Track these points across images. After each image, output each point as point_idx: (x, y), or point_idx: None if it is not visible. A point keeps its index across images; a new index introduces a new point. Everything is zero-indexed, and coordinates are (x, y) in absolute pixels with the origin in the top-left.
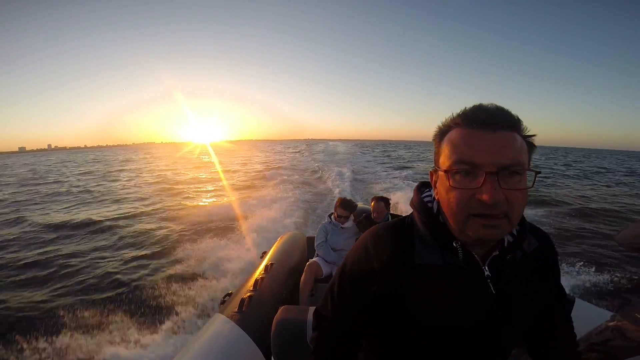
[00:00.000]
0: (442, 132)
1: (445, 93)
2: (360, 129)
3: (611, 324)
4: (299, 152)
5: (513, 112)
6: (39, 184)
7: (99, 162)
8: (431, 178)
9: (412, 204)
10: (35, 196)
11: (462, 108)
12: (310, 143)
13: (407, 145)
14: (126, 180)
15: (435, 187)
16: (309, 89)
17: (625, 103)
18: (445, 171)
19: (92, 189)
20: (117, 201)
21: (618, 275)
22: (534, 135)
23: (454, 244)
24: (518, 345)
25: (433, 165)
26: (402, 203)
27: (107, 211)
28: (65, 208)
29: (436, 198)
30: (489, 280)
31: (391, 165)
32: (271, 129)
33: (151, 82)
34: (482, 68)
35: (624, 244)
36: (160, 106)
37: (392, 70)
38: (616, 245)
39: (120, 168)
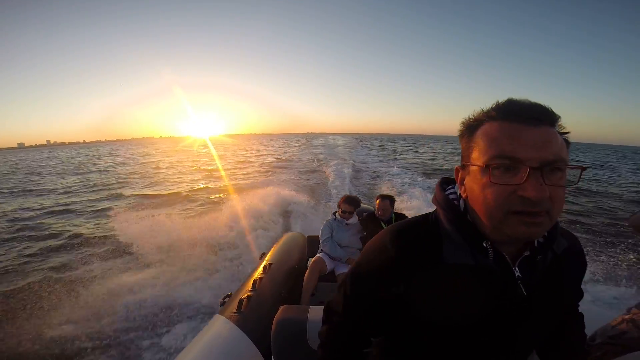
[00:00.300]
0: (472, 126)
1: (445, 87)
2: (360, 122)
3: (627, 316)
4: (300, 145)
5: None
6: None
7: (119, 155)
8: (457, 175)
9: (435, 201)
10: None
11: (494, 102)
12: (310, 137)
13: (406, 138)
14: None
15: (462, 184)
16: (309, 83)
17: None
18: (483, 166)
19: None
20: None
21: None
22: (569, 132)
23: (484, 244)
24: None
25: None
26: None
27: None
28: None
29: (463, 195)
30: (519, 282)
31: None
32: (271, 123)
33: (150, 77)
34: (483, 62)
35: (638, 228)
36: (158, 101)
37: (392, 63)
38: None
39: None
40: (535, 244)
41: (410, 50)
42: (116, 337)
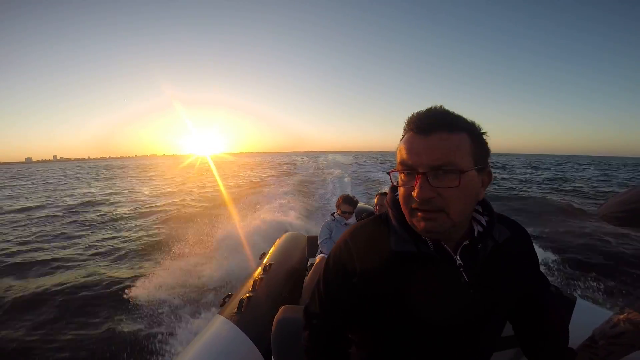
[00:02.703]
0: (402, 137)
1: (448, 103)
2: (360, 140)
3: (622, 316)
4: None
5: (451, 112)
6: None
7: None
8: None
9: (386, 202)
10: None
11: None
12: (311, 156)
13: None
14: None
15: None
16: (311, 101)
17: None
18: (397, 171)
19: None
20: None
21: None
22: (484, 133)
23: (423, 236)
24: (514, 345)
25: None
26: None
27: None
28: None
29: None
30: (461, 270)
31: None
32: (272, 142)
33: (152, 95)
34: (483, 76)
35: (606, 216)
36: (160, 118)
37: (393, 81)
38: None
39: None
40: (475, 234)
41: (411, 67)
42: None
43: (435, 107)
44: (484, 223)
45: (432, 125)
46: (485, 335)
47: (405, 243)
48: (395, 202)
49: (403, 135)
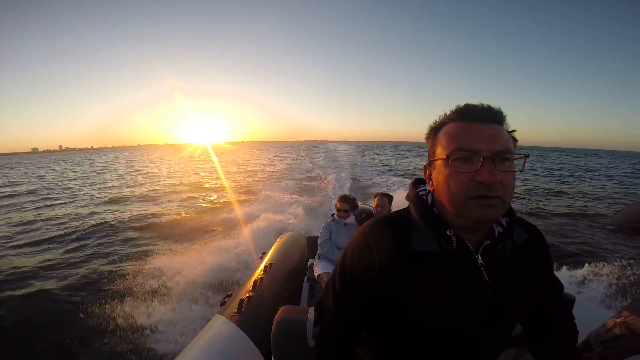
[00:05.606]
0: (436, 128)
1: (447, 94)
2: (361, 130)
3: (619, 320)
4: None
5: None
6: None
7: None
8: (425, 172)
9: (408, 198)
10: None
11: (452, 107)
12: (311, 145)
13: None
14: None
15: (430, 180)
16: (311, 90)
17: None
18: (445, 159)
19: None
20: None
21: (617, 264)
22: (514, 131)
23: (448, 232)
24: (521, 344)
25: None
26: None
27: None
28: None
29: (431, 189)
30: (482, 269)
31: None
32: (272, 131)
33: (153, 83)
34: (483, 68)
35: (622, 225)
36: (162, 107)
37: (394, 71)
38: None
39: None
40: (495, 234)
41: (412, 57)
42: None
43: (479, 103)
44: (504, 224)
45: (490, 116)
46: (498, 334)
47: (427, 241)
48: (418, 197)
49: (439, 127)
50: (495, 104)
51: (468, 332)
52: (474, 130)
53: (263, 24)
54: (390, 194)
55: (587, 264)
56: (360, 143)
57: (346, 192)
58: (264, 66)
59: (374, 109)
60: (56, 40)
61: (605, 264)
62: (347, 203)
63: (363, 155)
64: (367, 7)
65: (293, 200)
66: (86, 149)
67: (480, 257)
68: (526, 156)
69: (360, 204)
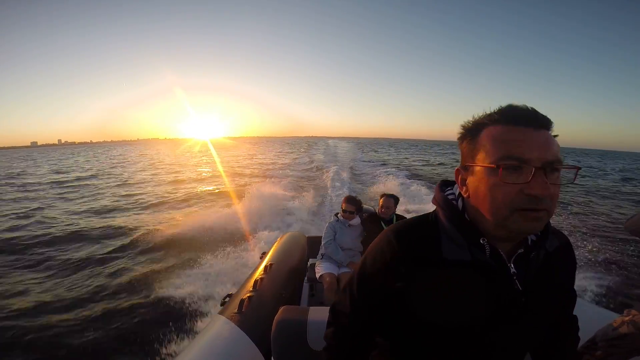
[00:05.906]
0: (474, 129)
1: (448, 92)
2: (362, 126)
3: (627, 318)
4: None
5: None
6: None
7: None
8: (457, 176)
9: (435, 201)
10: None
11: (495, 107)
12: (311, 142)
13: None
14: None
15: (464, 185)
16: (311, 86)
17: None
18: (491, 167)
19: None
20: None
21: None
22: (557, 136)
23: (481, 241)
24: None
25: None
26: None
27: None
28: None
29: (465, 195)
30: (515, 278)
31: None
32: (272, 126)
33: (153, 78)
34: (484, 66)
35: (634, 231)
36: (162, 102)
37: (395, 68)
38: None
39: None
40: (529, 242)
41: (414, 55)
42: None
43: (522, 105)
44: (538, 231)
45: (540, 121)
46: (523, 344)
47: (458, 250)
48: (447, 202)
49: (479, 129)
50: (495, 103)
51: (495, 339)
52: (525, 137)
53: (263, 19)
54: (396, 195)
55: (593, 267)
56: (360, 139)
57: (346, 192)
58: (264, 62)
59: (374, 105)
60: (56, 36)
61: (613, 267)
62: (353, 205)
63: (363, 154)
64: (367, 3)
65: (293, 200)
66: (85, 143)
67: (512, 266)
68: (578, 168)
69: (364, 205)
